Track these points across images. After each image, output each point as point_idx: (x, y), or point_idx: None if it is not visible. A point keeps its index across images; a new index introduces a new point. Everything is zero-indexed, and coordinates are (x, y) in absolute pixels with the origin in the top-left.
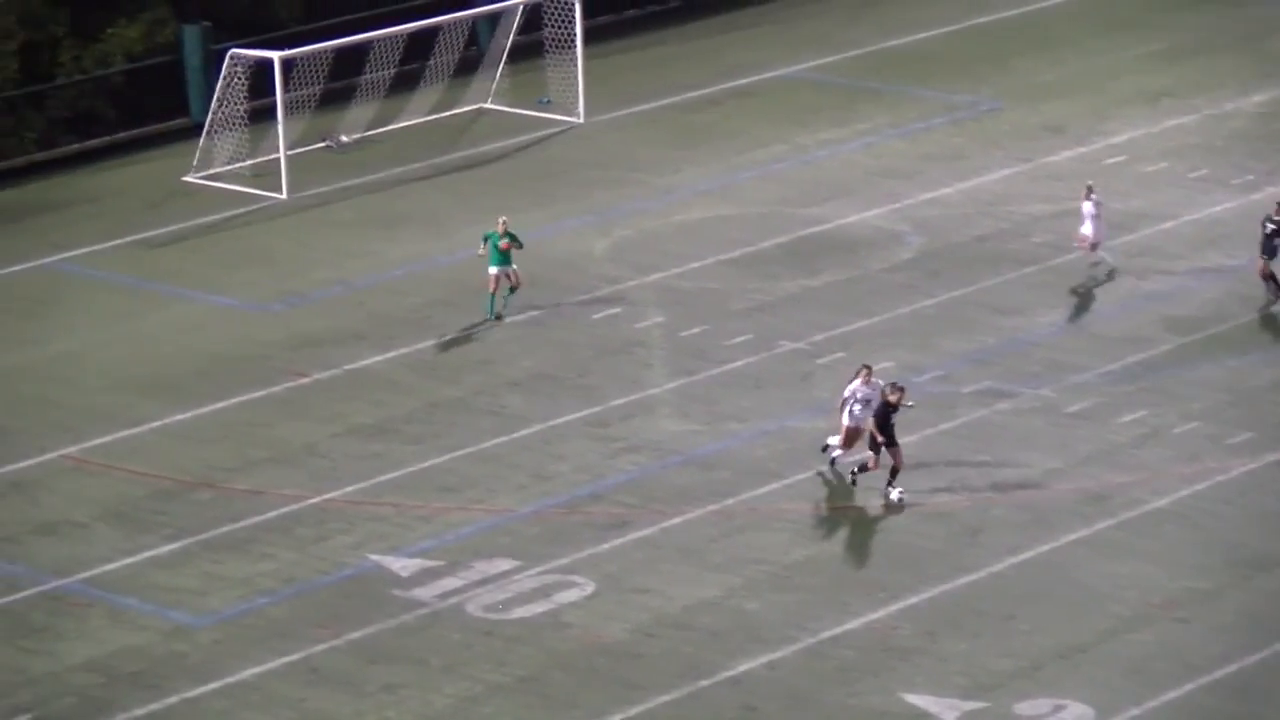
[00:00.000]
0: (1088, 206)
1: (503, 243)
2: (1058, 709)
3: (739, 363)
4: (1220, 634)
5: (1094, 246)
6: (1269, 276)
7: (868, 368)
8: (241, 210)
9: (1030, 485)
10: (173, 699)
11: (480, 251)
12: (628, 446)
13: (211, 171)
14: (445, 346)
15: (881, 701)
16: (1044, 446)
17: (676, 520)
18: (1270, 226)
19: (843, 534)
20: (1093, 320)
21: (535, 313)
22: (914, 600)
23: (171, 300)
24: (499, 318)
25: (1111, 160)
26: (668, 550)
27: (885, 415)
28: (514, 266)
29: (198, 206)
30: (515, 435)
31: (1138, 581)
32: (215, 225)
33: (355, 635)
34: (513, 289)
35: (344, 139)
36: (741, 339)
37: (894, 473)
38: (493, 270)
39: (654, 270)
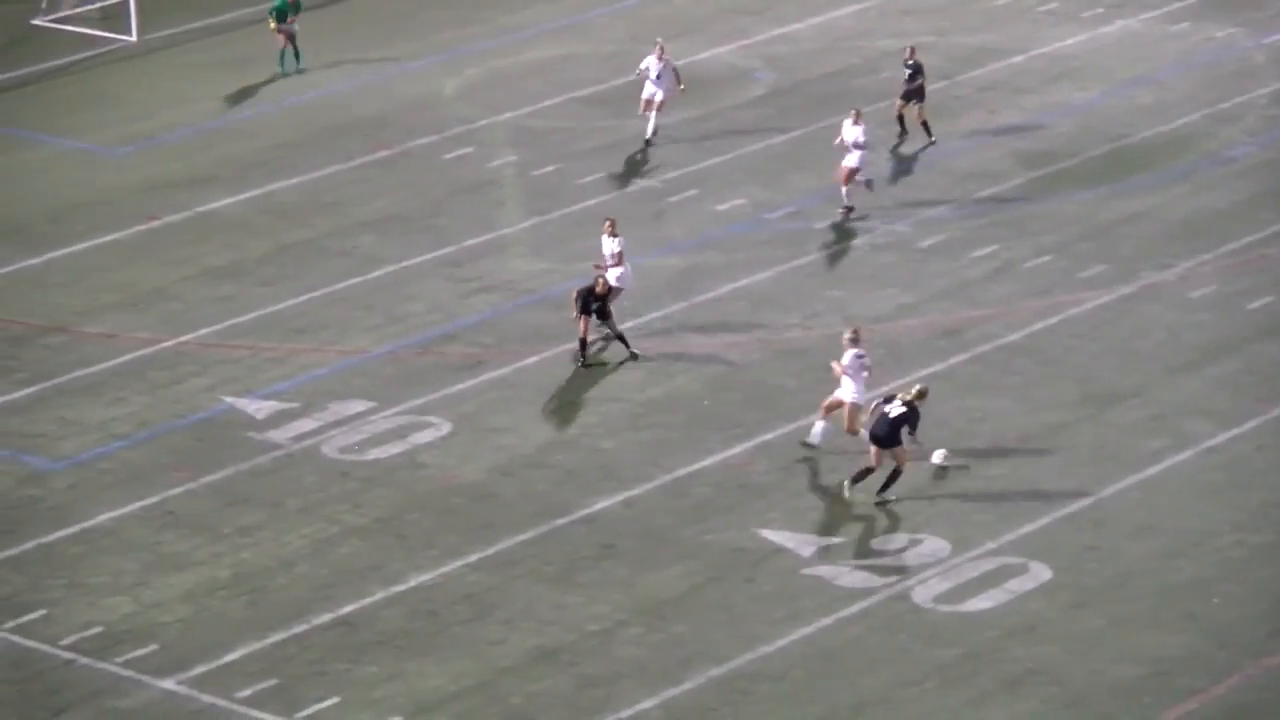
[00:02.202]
0: (653, 64)
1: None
2: (914, 543)
3: (591, 201)
4: (1074, 467)
5: (659, 107)
6: (901, 119)
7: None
8: (90, 53)
9: (884, 320)
10: (29, 544)
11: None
12: (481, 287)
13: (60, 14)
14: (296, 188)
15: (738, 538)
16: (897, 282)
17: (531, 360)
18: (908, 69)
19: (698, 372)
20: (944, 154)
21: (385, 153)
22: (770, 437)
23: (20, 145)
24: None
25: None
26: (523, 390)
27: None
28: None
29: (46, 50)
30: (368, 276)
31: (992, 416)
32: (64, 69)
33: (210, 478)
34: (296, 53)
35: None
36: (593, 178)
37: (895, 476)
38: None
39: (505, 109)
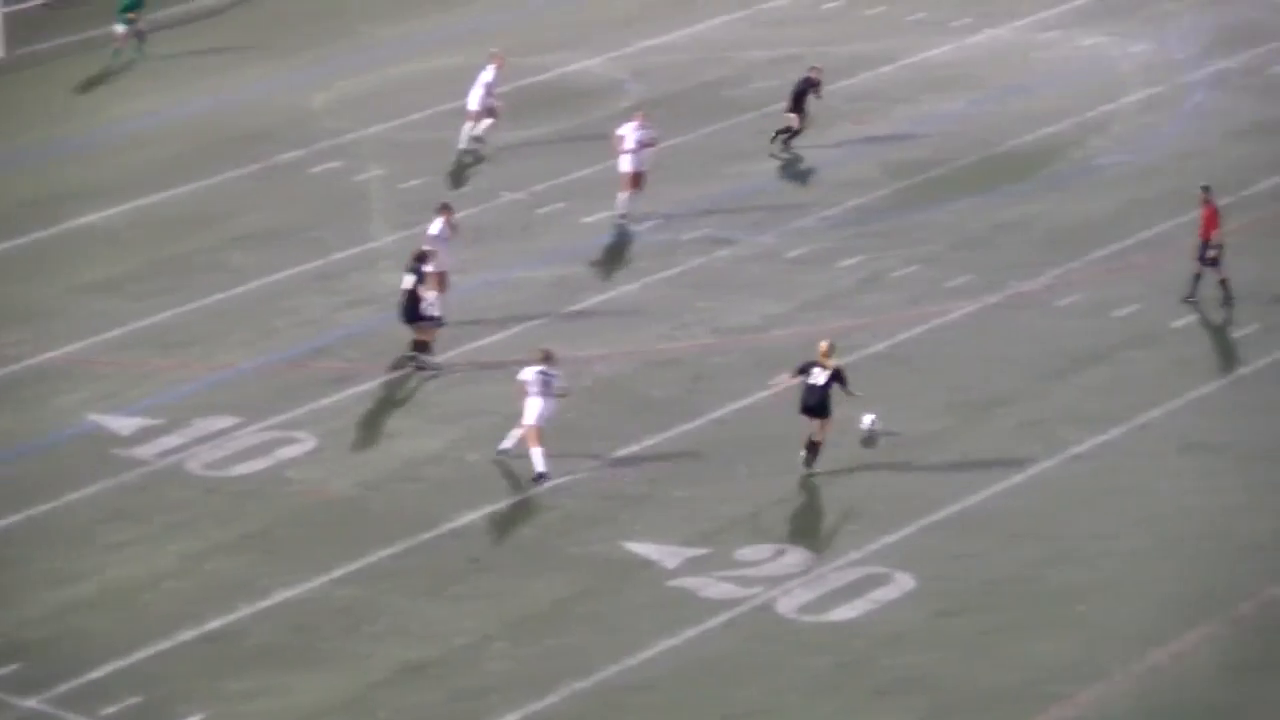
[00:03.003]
0: (485, 75)
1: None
2: (778, 554)
3: (460, 214)
4: (942, 475)
5: (479, 118)
6: (785, 130)
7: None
8: None
9: (752, 331)
10: None
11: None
12: (351, 300)
13: None
14: (168, 202)
15: (605, 550)
16: (766, 292)
17: (399, 373)
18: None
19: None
20: (813, 165)
21: (256, 166)
22: (637, 448)
23: None
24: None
25: (831, 4)
26: (390, 404)
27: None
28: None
29: None
30: (238, 290)
31: (860, 424)
32: None
33: (78, 495)
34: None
35: None
36: (463, 190)
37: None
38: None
39: (374, 123)
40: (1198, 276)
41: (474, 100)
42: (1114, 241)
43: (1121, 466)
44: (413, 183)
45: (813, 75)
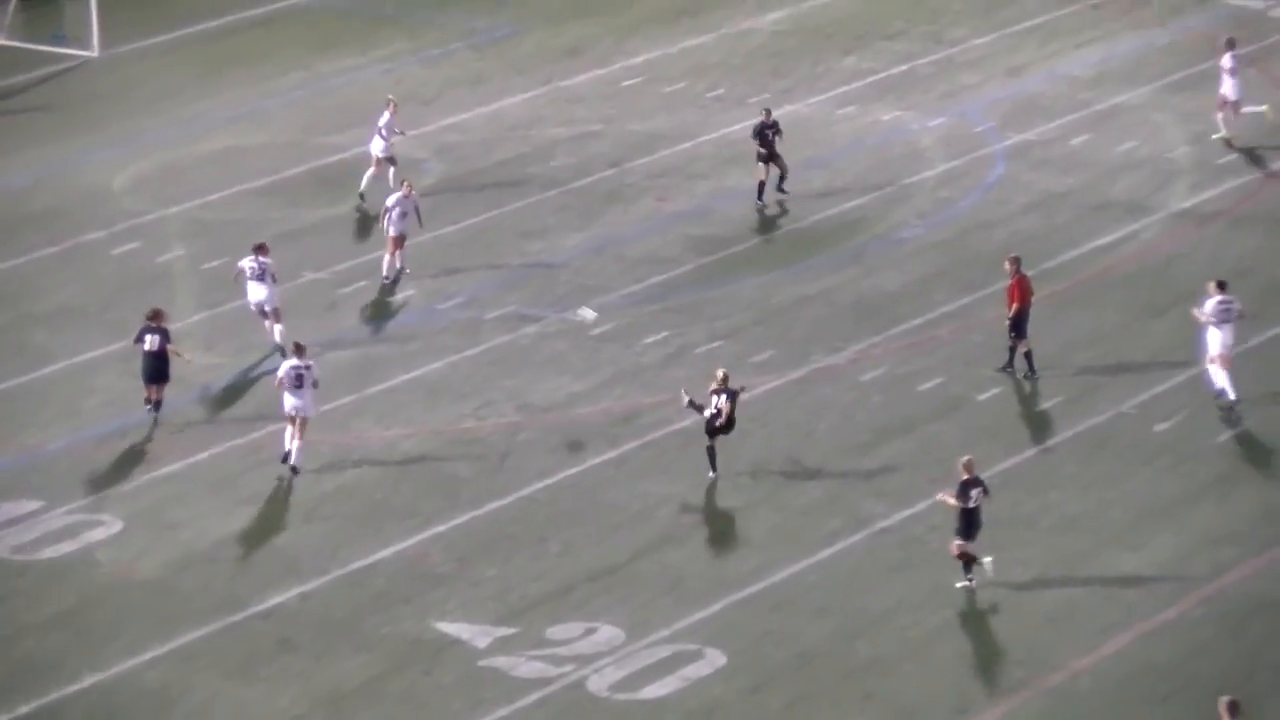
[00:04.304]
0: (382, 120)
1: None
2: (589, 631)
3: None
4: (751, 549)
5: (381, 164)
6: (762, 183)
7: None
8: None
9: (557, 408)
10: None
11: None
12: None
13: None
14: None
15: (415, 629)
16: (570, 369)
17: (204, 454)
18: (762, 127)
19: (373, 462)
20: (615, 242)
21: (57, 248)
22: (444, 527)
23: None
24: None
25: (630, 81)
26: (197, 484)
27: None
28: None
29: None
30: (42, 372)
31: (668, 500)
32: None
33: None
34: None
35: None
36: None
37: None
38: None
39: (175, 202)
40: (1012, 349)
41: (376, 148)
42: (917, 315)
43: (927, 539)
44: (215, 262)
45: (765, 118)
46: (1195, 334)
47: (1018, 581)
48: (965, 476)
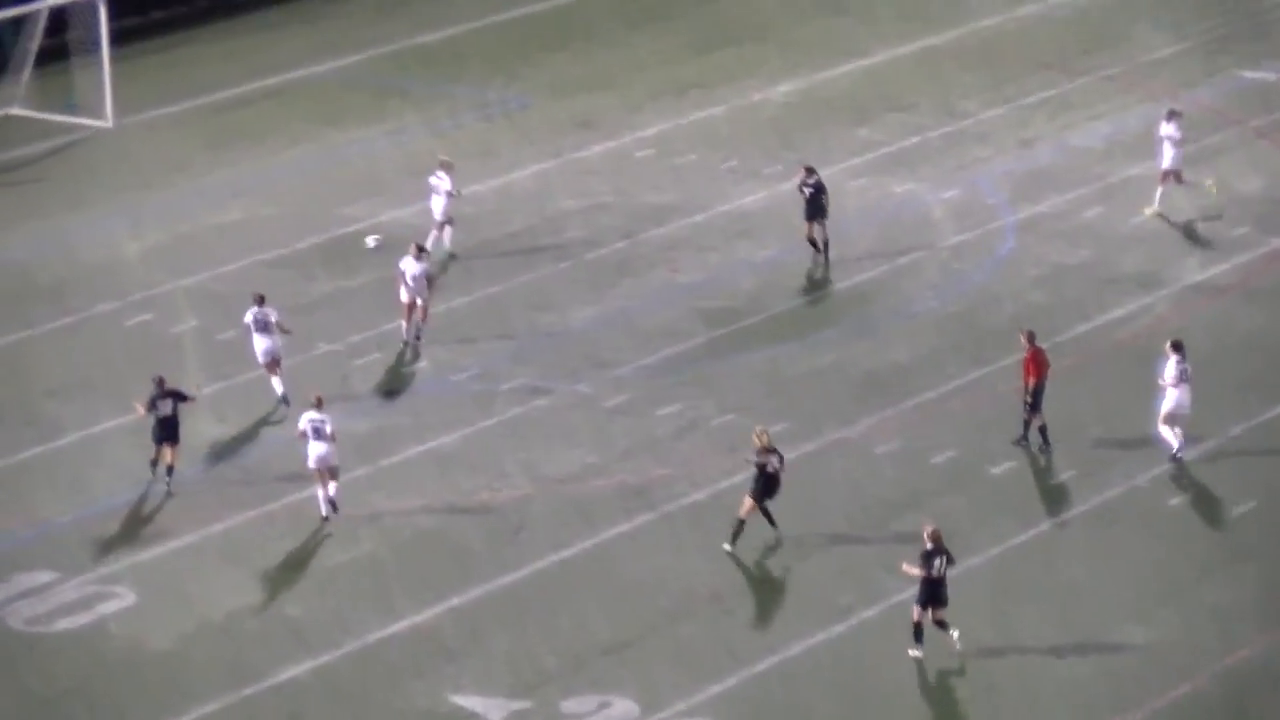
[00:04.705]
0: (442, 183)
1: None
2: (603, 706)
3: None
4: (764, 624)
5: (443, 227)
6: (813, 240)
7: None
8: None
9: (571, 480)
10: None
11: None
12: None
13: None
14: None
15: (429, 703)
16: (584, 441)
17: (218, 526)
18: (808, 190)
19: (386, 535)
20: (628, 314)
21: (69, 319)
22: (458, 601)
23: None
24: None
25: (642, 153)
26: (210, 556)
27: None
28: None
29: None
30: (53, 444)
31: (681, 574)
32: None
33: None
34: None
35: None
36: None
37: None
38: None
39: (188, 273)
40: (1027, 421)
41: (438, 209)
42: (929, 387)
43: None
44: (228, 334)
45: (805, 176)
46: (1207, 407)
47: (1030, 655)
48: (929, 546)
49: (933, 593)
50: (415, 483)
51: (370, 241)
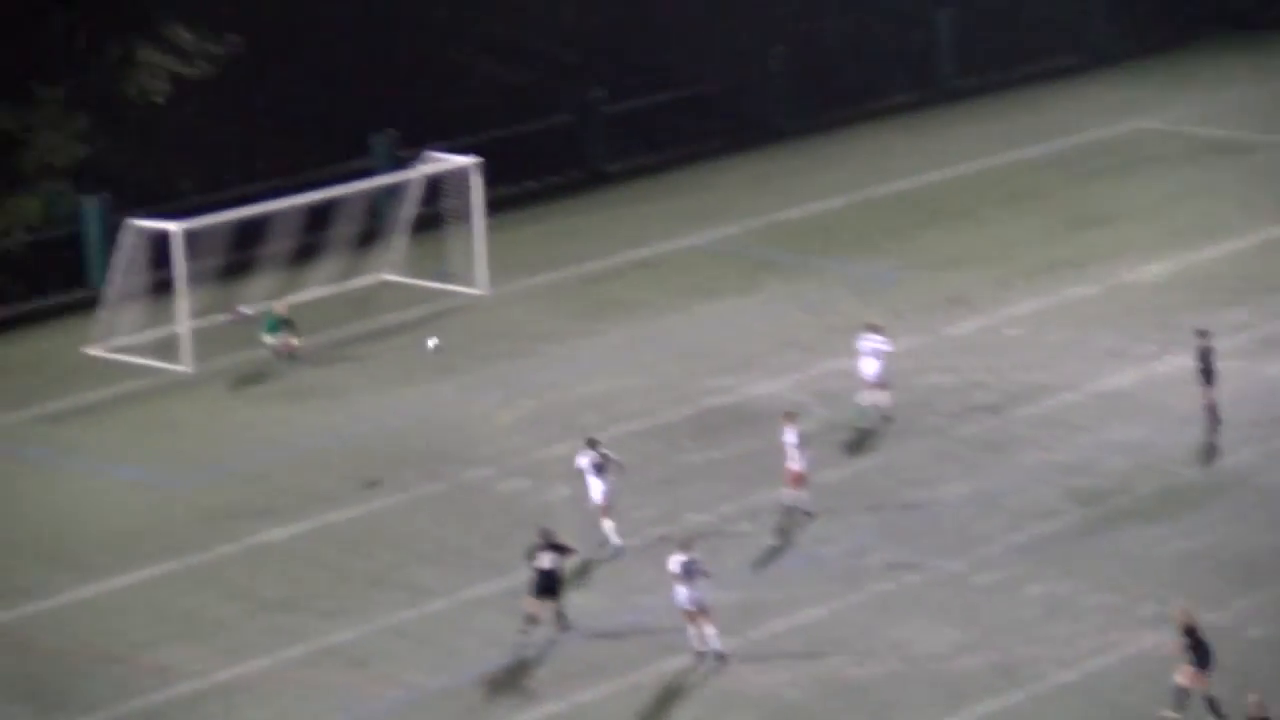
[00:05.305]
0: (867, 345)
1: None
2: None
3: (649, 531)
4: None
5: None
6: (1211, 407)
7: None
8: (145, 383)
9: (939, 658)
10: None
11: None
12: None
13: (114, 344)
14: (354, 520)
15: None
16: (952, 619)
17: (587, 695)
18: (1203, 350)
19: (753, 709)
20: (999, 492)
21: (441, 485)
22: None
23: (76, 473)
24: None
25: (1013, 331)
26: None
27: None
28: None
29: (101, 379)
30: (426, 609)
31: None
32: (119, 398)
33: None
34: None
35: (245, 311)
36: (647, 511)
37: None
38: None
39: (559, 442)
40: None
41: (869, 369)
42: None
43: None
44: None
45: (1203, 340)
46: None
47: None
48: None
49: None
50: (783, 657)
51: (431, 343)
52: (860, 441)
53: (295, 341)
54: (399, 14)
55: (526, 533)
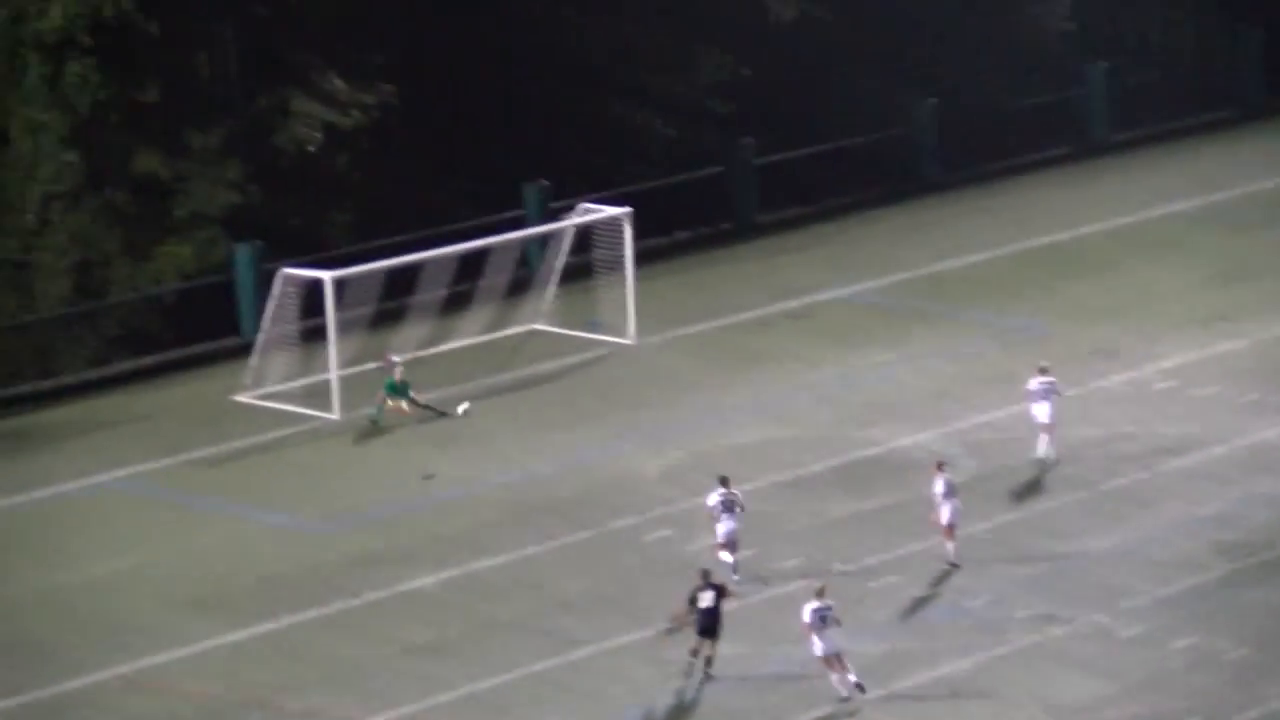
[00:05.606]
0: (1039, 385)
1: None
2: None
3: (791, 586)
4: None
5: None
6: None
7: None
8: (293, 430)
9: (1083, 711)
10: None
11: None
12: (680, 669)
13: (263, 391)
14: (497, 567)
15: None
16: (1097, 672)
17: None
18: None
19: None
20: (1145, 544)
21: (587, 534)
22: None
23: (223, 518)
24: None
25: (1162, 384)
26: None
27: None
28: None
29: (249, 425)
30: (568, 657)
31: None
32: (267, 444)
33: None
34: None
35: (396, 359)
36: (794, 561)
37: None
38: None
39: (706, 492)
40: None
41: (1043, 414)
42: None
43: None
44: (744, 554)
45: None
46: None
47: None
48: None
49: None
50: (926, 709)
51: (461, 409)
52: (1008, 495)
53: (405, 408)
54: (551, 64)
55: (671, 583)
